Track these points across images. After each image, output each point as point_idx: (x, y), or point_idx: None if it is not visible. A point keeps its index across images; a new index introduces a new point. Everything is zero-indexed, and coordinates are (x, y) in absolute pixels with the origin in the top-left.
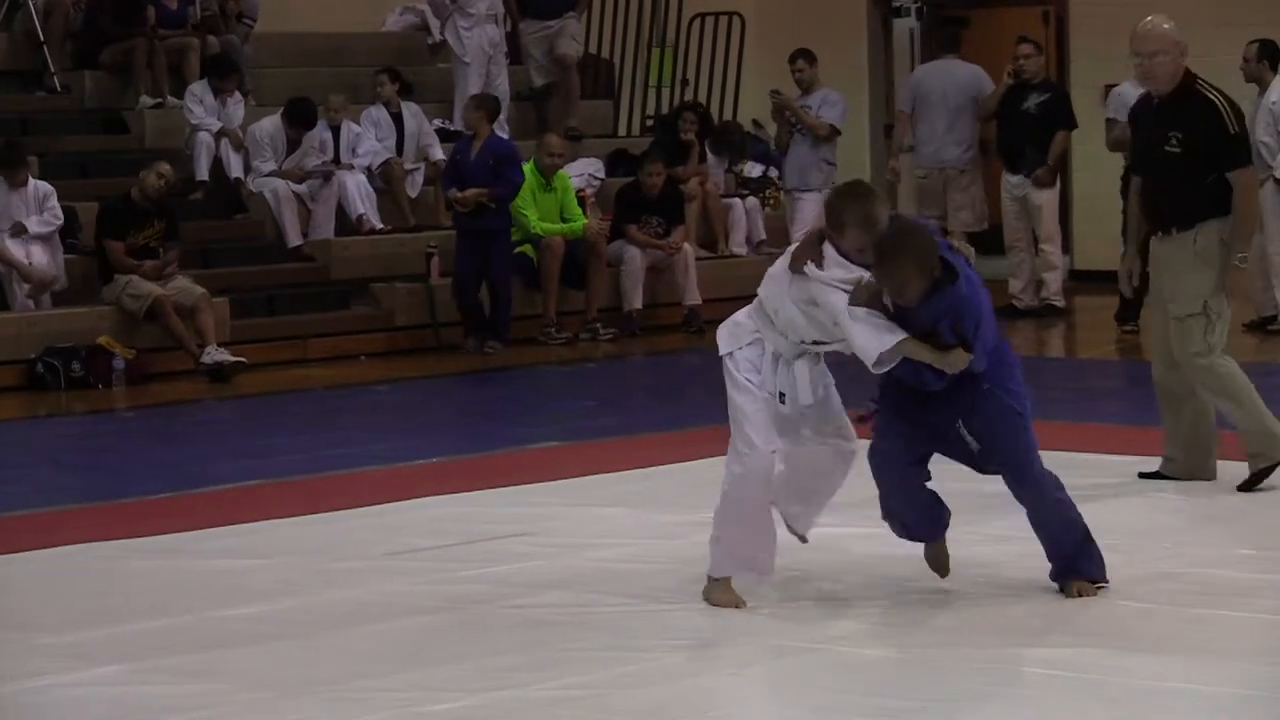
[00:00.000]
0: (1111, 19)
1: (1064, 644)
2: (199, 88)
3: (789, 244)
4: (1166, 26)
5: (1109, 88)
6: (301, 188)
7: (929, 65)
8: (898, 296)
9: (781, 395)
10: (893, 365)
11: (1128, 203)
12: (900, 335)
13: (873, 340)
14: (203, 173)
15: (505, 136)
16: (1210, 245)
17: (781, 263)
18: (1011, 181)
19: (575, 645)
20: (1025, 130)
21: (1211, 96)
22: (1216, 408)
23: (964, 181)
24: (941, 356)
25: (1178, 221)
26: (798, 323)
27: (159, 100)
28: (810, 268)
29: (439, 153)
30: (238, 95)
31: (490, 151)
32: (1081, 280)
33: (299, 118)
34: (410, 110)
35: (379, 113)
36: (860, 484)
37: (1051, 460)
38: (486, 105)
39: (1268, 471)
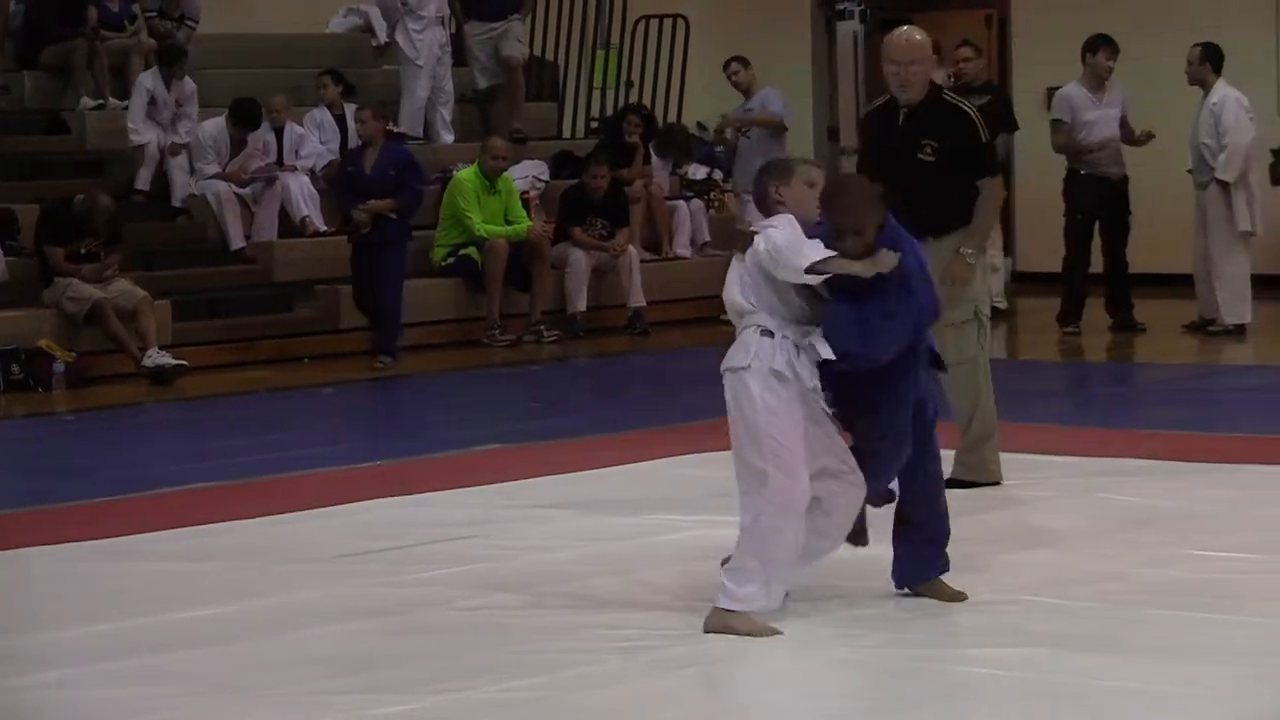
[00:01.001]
0: (1053, 23)
1: (1012, 644)
2: (149, 77)
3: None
4: (919, 37)
5: (1051, 90)
6: (245, 190)
7: None
8: (853, 230)
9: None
10: (823, 277)
11: (1072, 206)
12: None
13: (806, 249)
14: (144, 182)
15: (450, 140)
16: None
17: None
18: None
19: (524, 648)
20: None
21: (963, 107)
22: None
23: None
24: (871, 262)
25: (935, 229)
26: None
27: (100, 102)
28: (757, 224)
29: None
30: (192, 102)
31: (390, 161)
32: (1024, 282)
33: (244, 118)
34: (353, 112)
35: (322, 114)
36: None
37: None
38: (383, 112)
39: (977, 485)
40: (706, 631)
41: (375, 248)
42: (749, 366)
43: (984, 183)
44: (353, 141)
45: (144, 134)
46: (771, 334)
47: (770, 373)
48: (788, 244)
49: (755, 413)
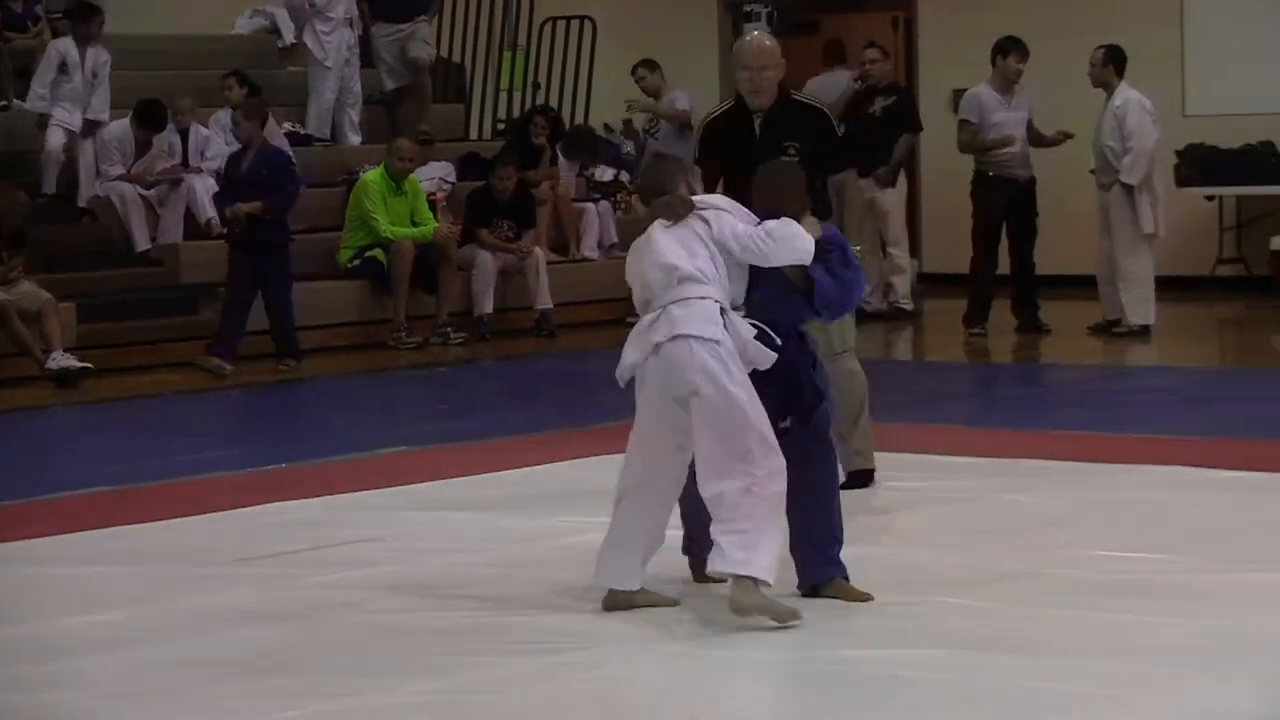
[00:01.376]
0: (960, 25)
1: (923, 645)
2: (60, 42)
3: None
4: (770, 43)
5: (958, 92)
6: (150, 192)
7: (819, 79)
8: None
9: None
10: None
11: (980, 207)
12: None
13: (792, 233)
14: (50, 184)
15: (358, 141)
16: None
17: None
18: (860, 185)
19: (428, 651)
20: (871, 134)
21: (817, 106)
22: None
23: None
24: (811, 225)
25: None
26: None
27: (4, 104)
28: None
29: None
30: (105, 71)
31: (264, 161)
32: (930, 283)
33: (149, 120)
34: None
35: (227, 116)
36: None
37: (898, 462)
38: (259, 113)
39: (870, 475)
40: (739, 613)
41: (251, 250)
42: (720, 341)
43: (842, 178)
44: None
45: (50, 105)
46: (724, 311)
47: (734, 348)
48: (781, 234)
49: (735, 387)
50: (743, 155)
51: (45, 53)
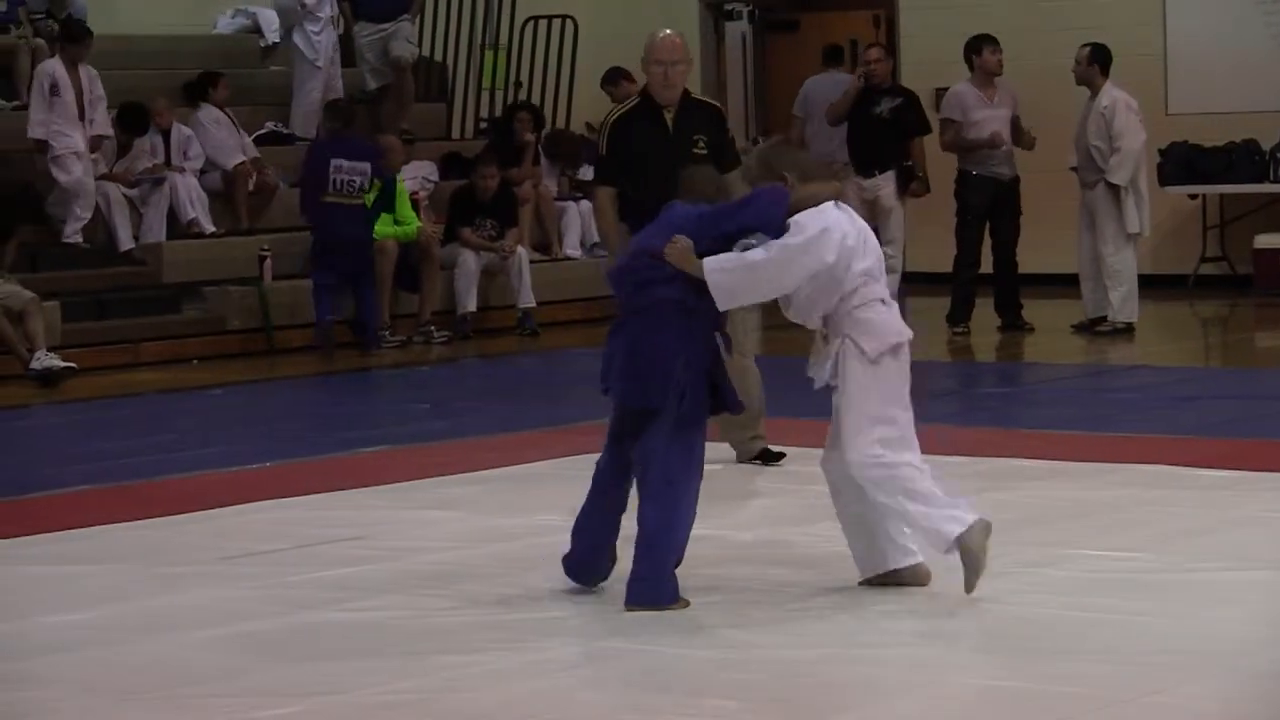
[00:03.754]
0: (941, 23)
1: (901, 644)
2: (50, 64)
3: None
4: (679, 40)
5: (940, 91)
6: (132, 191)
7: (817, 78)
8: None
9: None
10: None
11: (963, 206)
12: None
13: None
14: (86, 218)
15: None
16: None
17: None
18: (862, 185)
19: (408, 649)
20: (878, 134)
21: (714, 102)
22: None
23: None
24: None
25: None
26: None
27: None
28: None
29: (254, 153)
30: (98, 85)
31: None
32: (913, 282)
33: (131, 123)
34: (240, 116)
35: (216, 112)
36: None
37: None
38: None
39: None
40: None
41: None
42: None
43: (733, 174)
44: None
45: (48, 130)
46: None
47: None
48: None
49: None
50: (658, 149)
51: (35, 79)
